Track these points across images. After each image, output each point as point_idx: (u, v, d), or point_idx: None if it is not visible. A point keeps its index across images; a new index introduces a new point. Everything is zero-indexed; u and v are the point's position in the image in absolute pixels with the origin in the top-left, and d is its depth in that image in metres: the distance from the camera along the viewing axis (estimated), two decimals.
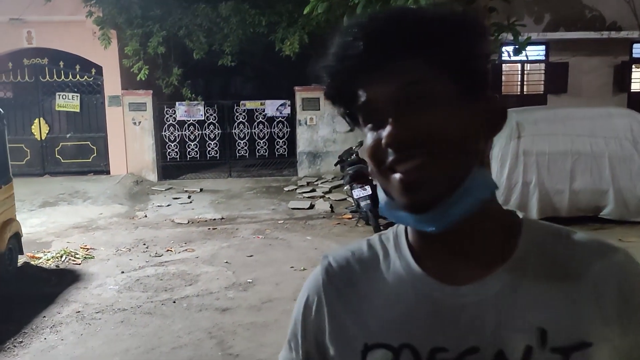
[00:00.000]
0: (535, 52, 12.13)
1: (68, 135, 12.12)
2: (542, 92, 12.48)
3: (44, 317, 5.07)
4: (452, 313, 0.73)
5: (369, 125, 0.72)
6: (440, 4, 0.78)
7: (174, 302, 5.37)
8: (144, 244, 7.44)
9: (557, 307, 0.71)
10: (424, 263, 0.77)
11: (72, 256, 6.82)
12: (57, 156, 12.13)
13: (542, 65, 12.47)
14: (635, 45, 12.54)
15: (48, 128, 12.08)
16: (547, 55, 12.38)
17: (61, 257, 6.77)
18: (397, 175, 0.70)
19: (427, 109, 0.68)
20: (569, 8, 12.03)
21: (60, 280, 6.08)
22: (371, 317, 0.77)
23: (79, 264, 6.61)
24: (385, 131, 0.69)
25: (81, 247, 7.19)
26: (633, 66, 12.69)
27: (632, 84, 12.71)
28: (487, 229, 0.74)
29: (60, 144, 12.12)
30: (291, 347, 0.86)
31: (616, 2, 12.11)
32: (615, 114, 8.08)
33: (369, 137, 0.72)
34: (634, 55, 12.64)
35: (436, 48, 0.68)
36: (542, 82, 12.54)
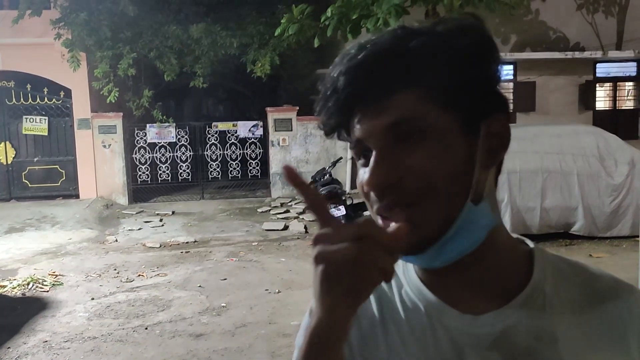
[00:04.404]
0: (504, 71, 12.31)
1: (35, 159, 11.88)
2: (511, 111, 12.71)
3: (9, 348, 4.88)
4: (464, 342, 0.69)
5: (361, 162, 0.69)
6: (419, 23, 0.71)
7: (146, 328, 5.24)
8: (115, 269, 7.27)
9: (571, 343, 0.68)
10: (436, 291, 0.73)
11: (39, 283, 6.61)
12: (24, 180, 11.86)
13: (511, 84, 12.73)
14: (598, 65, 12.91)
15: (14, 152, 11.82)
16: (515, 74, 12.66)
17: (28, 284, 6.56)
18: (383, 224, 0.66)
19: (414, 147, 0.64)
20: (535, 29, 12.36)
21: (26, 309, 5.87)
22: (384, 341, 0.73)
23: (47, 292, 6.42)
24: (366, 175, 0.66)
25: (49, 274, 6.99)
26: (597, 85, 13.05)
27: (597, 102, 13.06)
28: (495, 258, 0.71)
29: (28, 168, 11.86)
30: None
31: (579, 23, 12.50)
32: (582, 131, 8.26)
33: (360, 175, 0.69)
34: (597, 75, 13.01)
35: (424, 81, 0.64)
36: (511, 101, 12.79)
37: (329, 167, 8.93)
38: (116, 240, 9.02)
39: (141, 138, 12.16)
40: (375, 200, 0.66)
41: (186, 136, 12.34)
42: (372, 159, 0.65)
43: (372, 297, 0.75)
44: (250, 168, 12.57)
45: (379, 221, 0.67)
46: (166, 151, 12.31)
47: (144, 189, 12.23)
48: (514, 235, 0.77)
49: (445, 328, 0.70)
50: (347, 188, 11.22)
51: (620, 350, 0.67)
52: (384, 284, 0.74)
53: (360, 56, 0.65)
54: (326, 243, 0.59)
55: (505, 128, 0.68)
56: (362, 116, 0.66)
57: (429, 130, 0.64)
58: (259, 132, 12.38)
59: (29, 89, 11.56)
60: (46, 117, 11.71)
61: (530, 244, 0.76)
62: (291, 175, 0.59)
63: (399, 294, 0.75)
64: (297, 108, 12.28)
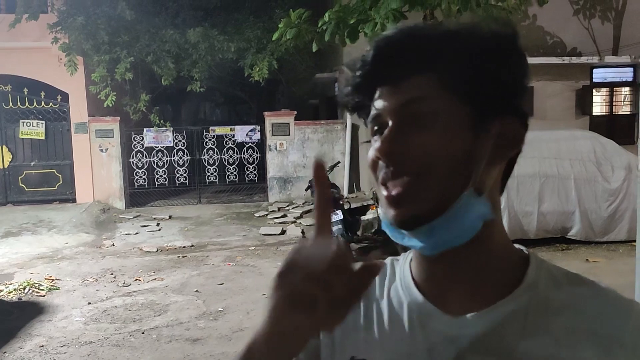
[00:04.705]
0: None
1: (32, 163, 11.85)
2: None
3: (5, 352, 4.86)
4: (443, 341, 0.70)
5: (375, 138, 0.72)
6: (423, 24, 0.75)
7: (143, 333, 5.22)
8: (112, 274, 7.25)
9: (556, 352, 0.67)
10: (425, 289, 0.75)
11: (35, 288, 6.59)
12: (20, 185, 11.83)
13: None
14: (595, 70, 12.94)
15: (11, 156, 11.79)
16: None
17: (24, 289, 6.53)
18: (384, 190, 0.70)
19: (425, 128, 0.67)
20: (532, 34, 12.39)
21: (22, 314, 5.85)
22: (364, 333, 0.76)
23: (43, 296, 6.40)
24: (377, 143, 0.69)
25: (45, 278, 6.96)
26: (594, 90, 13.08)
27: (594, 107, 13.09)
28: (490, 258, 0.72)
29: (24, 172, 11.84)
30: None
31: (576, 29, 12.54)
32: (579, 136, 8.28)
33: (372, 150, 0.72)
34: (594, 80, 13.04)
35: (445, 69, 0.68)
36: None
37: (326, 172, 8.92)
38: (113, 245, 9.00)
39: (138, 142, 12.15)
40: (381, 167, 0.70)
41: (183, 140, 12.33)
42: (386, 130, 0.69)
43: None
44: (248, 172, 12.55)
45: (382, 192, 0.70)
46: (163, 155, 12.29)
47: (141, 193, 12.20)
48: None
49: (424, 327, 0.72)
50: (345, 192, 11.22)
51: (606, 353, 0.67)
52: (381, 276, 0.79)
53: (389, 38, 0.71)
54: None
55: (517, 132, 0.71)
56: (383, 93, 0.70)
57: (441, 113, 0.67)
58: (257, 136, 12.38)
59: (25, 93, 11.54)
60: (43, 121, 11.70)
61: (526, 251, 0.77)
62: (319, 170, 0.64)
63: (388, 290, 0.78)
64: (295, 112, 12.29)
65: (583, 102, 12.93)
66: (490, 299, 0.71)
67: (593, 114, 13.04)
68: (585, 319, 0.69)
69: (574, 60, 12.34)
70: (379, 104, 0.71)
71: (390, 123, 0.69)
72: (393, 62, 0.69)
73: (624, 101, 13.30)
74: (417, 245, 0.70)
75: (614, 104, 13.24)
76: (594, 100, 13.08)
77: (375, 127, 0.72)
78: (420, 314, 0.73)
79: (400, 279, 0.78)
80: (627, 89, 13.17)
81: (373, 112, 0.72)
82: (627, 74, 12.98)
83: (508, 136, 0.70)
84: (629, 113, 13.14)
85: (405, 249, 0.77)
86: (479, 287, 0.72)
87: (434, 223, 0.67)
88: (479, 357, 0.68)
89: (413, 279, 0.76)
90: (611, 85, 13.14)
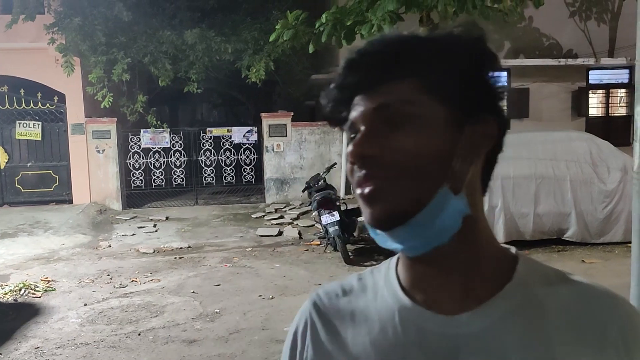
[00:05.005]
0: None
1: (29, 164, 11.83)
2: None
3: (0, 354, 4.85)
4: (439, 343, 0.71)
5: (349, 144, 0.74)
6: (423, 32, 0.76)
7: (139, 334, 5.21)
8: (108, 275, 7.24)
9: (548, 348, 0.68)
10: (413, 292, 0.75)
11: (31, 289, 6.57)
12: (17, 186, 11.80)
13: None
14: (591, 72, 12.99)
15: (7, 157, 11.77)
16: (508, 81, 12.71)
17: (20, 290, 6.52)
18: (359, 191, 0.71)
19: (397, 129, 0.68)
20: (528, 36, 12.43)
21: (18, 315, 5.84)
22: (355, 344, 0.76)
23: (39, 297, 6.38)
24: (349, 147, 0.70)
25: (42, 280, 6.95)
26: (590, 92, 13.13)
27: (590, 109, 13.14)
28: (476, 257, 0.73)
29: (21, 173, 11.81)
30: None
31: (572, 30, 12.58)
32: (575, 137, 8.30)
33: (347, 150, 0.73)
34: (590, 82, 13.09)
35: (419, 73, 0.69)
36: (505, 107, 12.82)
37: (323, 173, 8.93)
38: (109, 246, 8.99)
39: (135, 143, 12.14)
40: (356, 170, 0.71)
41: (180, 141, 12.33)
42: (358, 134, 0.71)
43: (343, 298, 0.81)
44: (245, 174, 12.55)
45: (358, 193, 0.71)
46: (160, 156, 12.28)
47: (137, 195, 12.19)
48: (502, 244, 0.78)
49: (418, 330, 0.72)
50: (342, 194, 11.22)
51: (598, 357, 0.68)
52: (360, 288, 0.80)
53: (364, 48, 0.72)
54: None
55: (492, 130, 0.71)
56: (357, 102, 0.72)
57: (415, 116, 0.68)
58: (254, 137, 12.39)
59: (22, 94, 11.51)
60: (40, 122, 11.68)
61: (513, 250, 0.77)
62: None
63: (374, 297, 0.78)
64: (292, 114, 12.29)
65: (579, 103, 12.98)
66: (482, 296, 0.71)
67: (589, 115, 13.09)
68: (573, 316, 0.70)
69: (570, 62, 12.39)
70: (353, 113, 0.72)
71: (362, 128, 0.70)
72: (364, 70, 0.71)
73: (619, 103, 13.35)
74: (399, 247, 0.71)
75: (609, 105, 13.29)
76: (590, 102, 13.14)
77: (352, 135, 0.73)
78: (413, 317, 0.73)
79: (384, 286, 0.78)
80: (623, 90, 13.22)
81: (349, 119, 0.73)
82: (622, 75, 13.03)
83: (483, 134, 0.71)
84: (624, 115, 13.19)
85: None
86: (469, 285, 0.72)
87: (411, 222, 0.68)
88: (476, 357, 0.69)
89: (400, 284, 0.77)
90: (607, 87, 13.20)
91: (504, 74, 12.53)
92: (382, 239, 0.72)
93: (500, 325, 0.70)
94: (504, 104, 0.74)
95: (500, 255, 0.75)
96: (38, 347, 4.97)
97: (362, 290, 0.80)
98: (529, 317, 0.70)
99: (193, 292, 6.43)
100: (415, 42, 0.71)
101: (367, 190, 0.69)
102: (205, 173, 12.44)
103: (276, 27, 7.15)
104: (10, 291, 6.49)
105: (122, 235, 9.67)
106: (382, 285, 0.79)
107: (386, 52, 0.70)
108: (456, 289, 0.72)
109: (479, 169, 0.73)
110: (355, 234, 8.16)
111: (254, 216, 11.01)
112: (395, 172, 0.68)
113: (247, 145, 12.46)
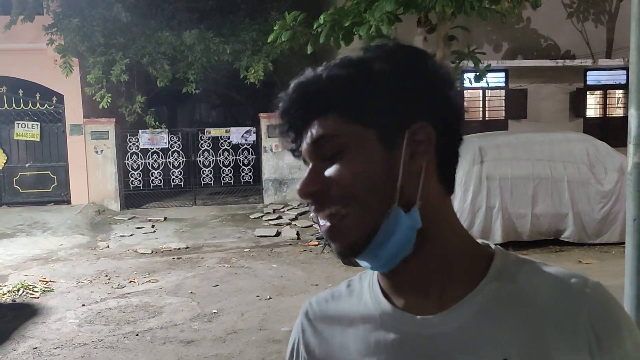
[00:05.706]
0: (496, 79, 12.46)
1: (27, 165, 11.82)
2: (503, 118, 12.79)
3: None
4: (418, 343, 0.73)
5: None
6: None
7: (137, 335, 5.22)
8: (106, 276, 7.25)
9: (525, 338, 0.70)
10: (393, 297, 0.78)
11: (29, 290, 6.57)
12: (15, 186, 11.80)
13: (502, 92, 12.80)
14: (589, 73, 13.00)
15: (6, 157, 11.76)
16: (506, 82, 12.73)
17: (18, 290, 6.52)
18: (321, 226, 0.75)
19: (335, 162, 0.71)
20: (526, 37, 12.45)
21: (16, 315, 5.84)
22: (341, 348, 0.79)
23: (37, 298, 6.39)
24: (298, 186, 0.74)
25: (40, 280, 6.95)
26: (587, 93, 13.15)
27: (587, 110, 13.15)
28: (448, 257, 0.74)
29: (19, 173, 11.80)
30: None
31: (569, 32, 12.60)
32: (572, 138, 8.32)
33: None
34: (588, 83, 13.10)
35: (341, 105, 0.71)
36: (503, 108, 12.86)
37: None
38: (108, 246, 8.99)
39: (133, 144, 12.14)
40: (310, 206, 0.75)
41: (179, 142, 12.33)
42: (306, 172, 0.75)
43: (332, 303, 0.84)
44: (243, 174, 12.56)
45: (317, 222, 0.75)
46: (158, 157, 12.28)
47: (136, 195, 12.19)
48: (480, 241, 0.79)
49: (398, 332, 0.75)
50: None
51: (573, 346, 0.69)
52: (348, 294, 0.83)
53: (289, 93, 0.75)
54: None
55: (428, 134, 0.71)
56: (305, 134, 0.75)
57: (347, 146, 0.71)
58: (252, 138, 12.40)
59: (21, 95, 11.51)
60: (38, 123, 11.67)
61: (493, 246, 0.79)
62: None
63: (359, 302, 0.81)
64: None
65: (577, 104, 13.00)
66: (458, 295, 0.73)
67: (586, 116, 13.11)
68: (547, 304, 0.71)
69: (568, 63, 12.41)
70: (303, 145, 0.76)
71: (309, 162, 0.75)
72: (291, 116, 0.75)
73: (617, 104, 13.37)
74: (367, 266, 0.75)
75: (607, 106, 13.31)
76: (587, 103, 13.15)
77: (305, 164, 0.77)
78: (392, 321, 0.76)
79: (368, 292, 0.81)
80: (621, 91, 13.24)
81: (301, 152, 0.77)
82: (620, 76, 13.04)
83: (418, 142, 0.71)
84: (622, 116, 13.20)
85: None
86: (444, 286, 0.74)
87: (369, 247, 0.71)
88: (454, 354, 0.71)
89: (382, 289, 0.79)
90: (604, 88, 13.21)
91: (501, 74, 12.56)
92: (361, 263, 0.76)
93: (476, 321, 0.71)
94: (441, 93, 0.73)
95: (476, 253, 0.77)
96: (36, 348, 4.98)
97: (349, 295, 0.83)
98: (504, 310, 0.72)
99: (191, 292, 6.44)
100: (325, 80, 0.72)
101: (324, 228, 0.73)
102: (204, 173, 12.45)
103: (274, 28, 7.17)
104: (8, 292, 6.49)
105: (121, 236, 9.67)
106: (367, 291, 0.81)
107: (302, 97, 0.73)
108: (432, 291, 0.74)
109: (432, 172, 0.73)
110: None
111: (252, 217, 11.01)
112: (342, 203, 0.71)
113: (245, 145, 12.47)
